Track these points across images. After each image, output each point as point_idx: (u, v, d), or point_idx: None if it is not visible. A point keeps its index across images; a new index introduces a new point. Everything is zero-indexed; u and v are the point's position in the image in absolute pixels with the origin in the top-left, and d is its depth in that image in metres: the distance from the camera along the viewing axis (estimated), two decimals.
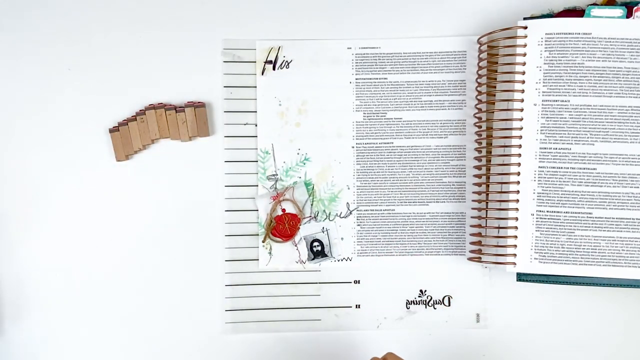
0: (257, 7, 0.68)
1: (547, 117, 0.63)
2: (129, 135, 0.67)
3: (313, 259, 0.68)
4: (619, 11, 0.63)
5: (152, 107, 0.67)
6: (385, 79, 0.68)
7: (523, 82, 0.63)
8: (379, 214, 0.68)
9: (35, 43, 0.67)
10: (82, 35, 0.67)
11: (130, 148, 0.67)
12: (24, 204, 0.67)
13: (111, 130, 0.67)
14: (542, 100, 0.63)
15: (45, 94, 0.67)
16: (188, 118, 0.66)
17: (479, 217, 0.67)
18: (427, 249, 0.68)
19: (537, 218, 0.63)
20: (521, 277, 0.65)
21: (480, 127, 0.67)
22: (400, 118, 0.68)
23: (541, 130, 0.63)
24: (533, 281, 0.65)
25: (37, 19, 0.67)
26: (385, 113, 0.68)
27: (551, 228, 0.63)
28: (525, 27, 0.63)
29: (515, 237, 0.64)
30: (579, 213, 0.63)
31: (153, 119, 0.66)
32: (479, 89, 0.67)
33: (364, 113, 0.68)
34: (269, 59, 0.68)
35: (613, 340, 0.68)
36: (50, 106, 0.67)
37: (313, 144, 0.68)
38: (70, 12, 0.67)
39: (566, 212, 0.63)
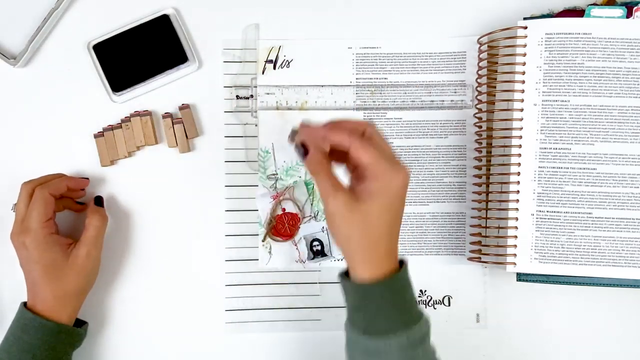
0: (257, 7, 0.68)
1: (547, 117, 0.63)
2: (114, 141, 0.66)
3: (313, 259, 0.68)
4: (619, 11, 0.63)
5: (137, 114, 0.67)
6: (385, 79, 0.68)
7: (523, 82, 0.63)
8: None
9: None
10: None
11: (115, 154, 0.67)
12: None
13: (95, 136, 0.67)
14: (542, 100, 0.63)
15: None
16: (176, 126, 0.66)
17: (479, 217, 0.67)
18: (427, 249, 0.68)
19: (537, 218, 0.63)
20: (521, 277, 0.65)
21: (480, 127, 0.67)
22: (400, 118, 0.68)
23: (541, 130, 0.63)
24: (533, 281, 0.64)
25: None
26: (386, 113, 0.68)
27: (551, 228, 0.63)
28: (525, 27, 0.63)
29: (515, 237, 0.64)
30: (579, 213, 0.63)
31: (138, 126, 0.66)
32: (479, 89, 0.67)
33: (364, 113, 0.68)
34: (269, 59, 0.68)
35: (613, 340, 0.68)
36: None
37: None
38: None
39: (566, 212, 0.63)
